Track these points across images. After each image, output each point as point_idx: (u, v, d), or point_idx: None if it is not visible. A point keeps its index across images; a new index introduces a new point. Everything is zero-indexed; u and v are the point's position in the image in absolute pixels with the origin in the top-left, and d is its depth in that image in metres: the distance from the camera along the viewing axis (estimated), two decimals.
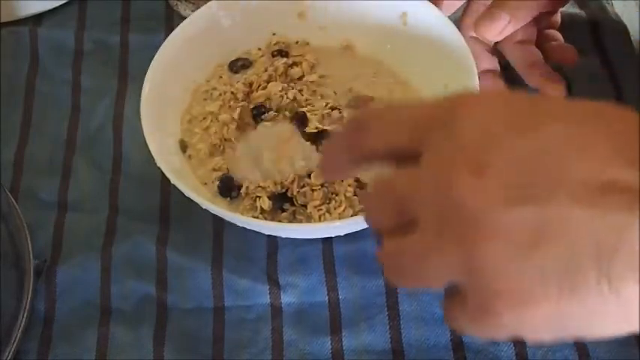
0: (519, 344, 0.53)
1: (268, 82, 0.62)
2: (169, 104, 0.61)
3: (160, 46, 0.70)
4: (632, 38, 0.68)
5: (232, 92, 0.62)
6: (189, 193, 0.53)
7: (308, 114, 0.60)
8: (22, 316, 0.55)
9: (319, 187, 0.56)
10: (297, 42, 0.66)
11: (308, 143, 0.59)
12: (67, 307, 0.57)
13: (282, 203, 0.57)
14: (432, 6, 0.61)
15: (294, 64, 0.64)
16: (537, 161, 0.32)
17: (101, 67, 0.70)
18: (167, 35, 0.71)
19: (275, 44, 0.65)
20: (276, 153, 0.59)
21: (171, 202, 0.61)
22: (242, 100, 0.61)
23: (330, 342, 0.54)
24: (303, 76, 0.64)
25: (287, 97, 0.61)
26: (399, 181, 0.36)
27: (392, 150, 0.37)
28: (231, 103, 0.61)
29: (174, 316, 0.56)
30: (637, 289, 0.30)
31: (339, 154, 0.39)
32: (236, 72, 0.64)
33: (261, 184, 0.57)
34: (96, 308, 0.57)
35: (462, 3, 0.63)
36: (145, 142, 0.65)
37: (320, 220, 0.56)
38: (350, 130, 0.38)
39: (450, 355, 0.54)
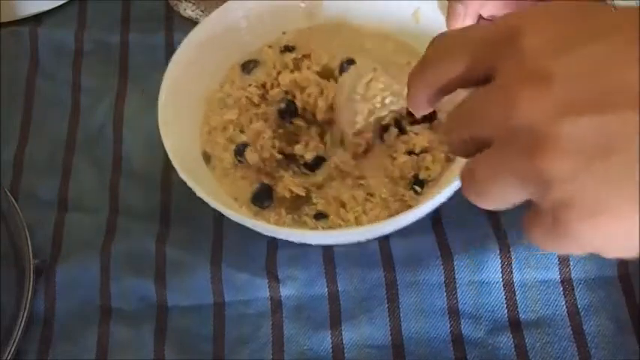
0: (518, 336, 0.53)
1: (278, 78, 0.62)
2: (185, 113, 0.60)
3: (159, 45, 0.71)
4: None
5: (247, 97, 0.61)
6: (221, 208, 0.52)
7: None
8: (22, 316, 0.55)
9: (358, 185, 0.57)
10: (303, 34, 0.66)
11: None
12: (67, 307, 0.57)
13: (306, 201, 0.57)
14: (444, 3, 0.60)
15: (304, 56, 0.64)
16: (600, 70, 0.32)
17: (101, 67, 0.70)
18: (167, 35, 0.71)
19: (285, 41, 0.65)
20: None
21: (171, 201, 0.61)
22: (258, 104, 0.61)
23: (330, 336, 0.54)
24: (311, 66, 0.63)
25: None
26: (471, 103, 0.36)
27: (467, 78, 0.37)
28: (249, 108, 0.61)
29: (175, 314, 0.56)
30: None
31: (420, 90, 0.39)
32: (248, 73, 0.64)
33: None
34: (96, 307, 0.57)
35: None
36: (145, 142, 0.65)
37: (356, 222, 0.55)
38: (425, 65, 0.39)
39: (449, 347, 0.54)
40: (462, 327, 0.54)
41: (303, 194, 0.56)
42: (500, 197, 0.36)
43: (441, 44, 0.39)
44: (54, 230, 0.61)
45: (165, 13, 0.74)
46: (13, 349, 0.54)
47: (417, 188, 0.56)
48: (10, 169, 0.64)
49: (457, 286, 0.55)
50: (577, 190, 0.32)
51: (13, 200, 0.60)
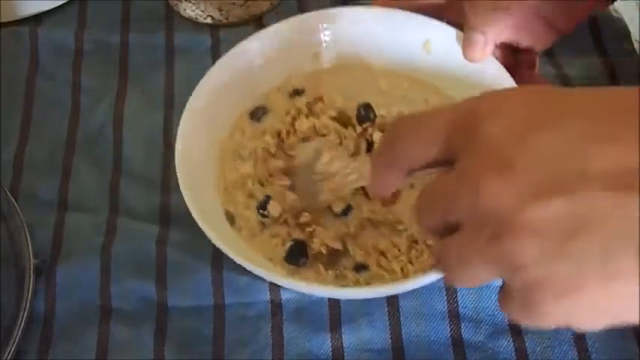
0: (518, 340, 0.53)
1: (293, 124, 0.61)
2: (201, 167, 0.58)
3: (159, 45, 0.71)
4: (632, 38, 0.68)
5: (264, 147, 0.59)
6: (260, 272, 0.50)
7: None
8: (22, 316, 0.55)
9: (397, 231, 0.56)
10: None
11: None
12: (67, 307, 0.57)
13: (343, 254, 0.55)
14: (455, 31, 0.60)
15: (316, 99, 0.62)
16: (561, 155, 0.33)
17: (101, 67, 0.70)
18: (167, 35, 0.71)
19: (292, 85, 0.64)
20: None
21: (172, 201, 0.61)
22: (275, 154, 0.59)
23: (330, 339, 0.54)
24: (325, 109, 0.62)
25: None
26: (438, 189, 0.37)
27: (429, 162, 0.38)
28: (266, 158, 0.59)
29: (175, 315, 0.56)
30: None
31: (384, 174, 0.41)
32: (258, 120, 0.62)
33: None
34: (96, 308, 0.57)
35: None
36: (145, 142, 0.65)
37: (402, 272, 0.54)
38: (387, 151, 0.41)
39: (449, 351, 0.54)
40: (463, 331, 0.54)
41: (340, 248, 0.55)
42: (472, 278, 0.37)
43: (404, 129, 0.40)
44: (54, 230, 0.60)
45: (165, 13, 0.74)
46: (13, 349, 0.54)
47: None
48: (10, 169, 0.64)
49: (457, 289, 0.55)
50: (546, 272, 0.33)
51: (13, 200, 0.60)
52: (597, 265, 0.32)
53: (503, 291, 0.36)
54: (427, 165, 0.39)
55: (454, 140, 0.37)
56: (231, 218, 0.57)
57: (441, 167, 0.39)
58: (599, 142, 0.33)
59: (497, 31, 0.57)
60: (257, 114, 0.62)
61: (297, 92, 0.63)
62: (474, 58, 0.58)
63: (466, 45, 0.58)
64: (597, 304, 0.33)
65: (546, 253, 0.33)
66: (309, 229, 0.56)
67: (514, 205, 0.33)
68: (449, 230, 0.37)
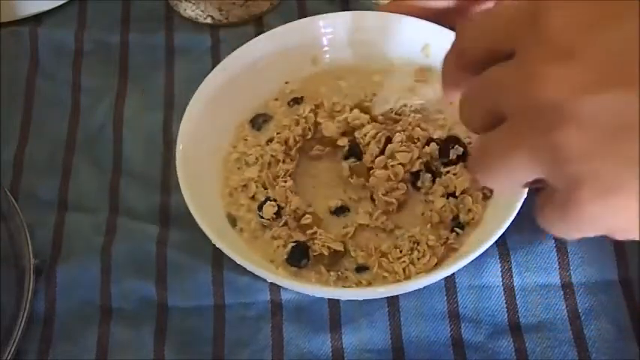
0: (518, 340, 0.53)
1: (304, 135, 0.60)
2: (202, 170, 0.58)
3: (159, 45, 0.71)
4: None
5: (272, 155, 0.59)
6: (260, 272, 0.51)
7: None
8: (22, 316, 0.55)
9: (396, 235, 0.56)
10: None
11: None
12: (67, 307, 0.57)
13: (343, 255, 0.55)
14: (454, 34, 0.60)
15: (317, 106, 0.62)
16: (623, 49, 0.32)
17: (101, 67, 0.70)
18: (167, 35, 0.71)
19: (290, 92, 0.63)
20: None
21: (171, 201, 0.61)
22: (284, 161, 0.59)
23: (330, 339, 0.54)
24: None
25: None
26: (493, 77, 0.36)
27: (492, 55, 0.37)
28: (273, 164, 0.59)
29: (175, 315, 0.56)
30: None
31: (451, 69, 0.40)
32: (259, 129, 0.62)
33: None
34: (96, 308, 0.57)
35: None
36: (145, 142, 0.65)
37: (405, 273, 0.53)
38: (453, 46, 0.40)
39: (449, 351, 0.54)
40: (463, 331, 0.54)
41: (342, 249, 0.55)
42: (508, 175, 0.36)
43: (467, 25, 0.40)
44: (54, 230, 0.60)
45: (165, 13, 0.73)
46: (13, 349, 0.54)
47: (458, 230, 0.55)
48: (10, 169, 0.64)
49: (457, 290, 0.55)
50: (592, 167, 0.33)
51: (13, 200, 0.60)
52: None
53: (543, 195, 0.35)
54: (485, 59, 0.38)
55: (515, 31, 0.36)
56: (232, 220, 0.57)
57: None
58: None
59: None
60: (257, 122, 0.62)
61: (297, 101, 0.63)
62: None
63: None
64: (637, 208, 0.33)
65: (593, 147, 0.32)
66: (310, 232, 0.56)
67: (568, 95, 0.32)
68: (494, 123, 0.36)
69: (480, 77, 0.37)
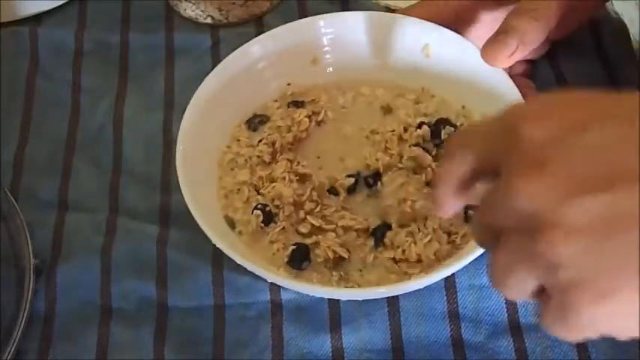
0: (518, 340, 0.53)
1: (294, 143, 0.60)
2: (201, 172, 0.58)
3: (159, 45, 0.71)
4: (632, 38, 0.68)
5: (258, 156, 0.59)
6: (261, 272, 0.51)
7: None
8: (22, 316, 0.55)
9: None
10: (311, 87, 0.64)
11: None
12: (67, 307, 0.57)
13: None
14: (454, 35, 0.60)
15: (314, 113, 0.62)
16: (597, 155, 0.33)
17: (101, 67, 0.70)
18: (167, 35, 0.71)
19: (290, 94, 0.63)
20: None
21: (172, 201, 0.61)
22: (269, 163, 0.59)
23: (329, 339, 0.54)
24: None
25: None
26: (484, 203, 0.38)
27: (480, 172, 0.38)
28: (259, 167, 0.59)
29: (175, 315, 0.56)
30: None
31: (444, 190, 0.40)
32: (254, 130, 0.62)
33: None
34: (96, 308, 0.57)
35: None
36: (145, 142, 0.65)
37: (404, 254, 0.54)
38: (443, 164, 0.41)
39: (449, 351, 0.53)
40: (463, 331, 0.54)
41: (346, 256, 0.55)
42: (519, 286, 0.36)
43: (453, 142, 0.41)
44: (54, 230, 0.60)
45: (165, 13, 0.73)
46: (13, 349, 0.54)
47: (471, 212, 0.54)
48: (10, 169, 0.64)
49: (457, 290, 0.55)
50: (585, 272, 0.33)
51: (13, 200, 0.60)
52: (637, 264, 0.32)
53: (543, 302, 0.36)
54: (474, 176, 0.39)
55: (495, 147, 0.37)
56: (230, 223, 0.57)
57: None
58: (634, 143, 0.32)
59: (533, 39, 0.56)
60: (253, 122, 0.62)
61: (297, 104, 0.63)
62: (499, 62, 0.56)
63: (495, 48, 0.56)
64: (637, 309, 0.33)
65: (583, 252, 0.32)
66: (310, 240, 0.56)
67: (550, 203, 0.33)
68: (496, 239, 0.37)
69: (480, 202, 0.38)
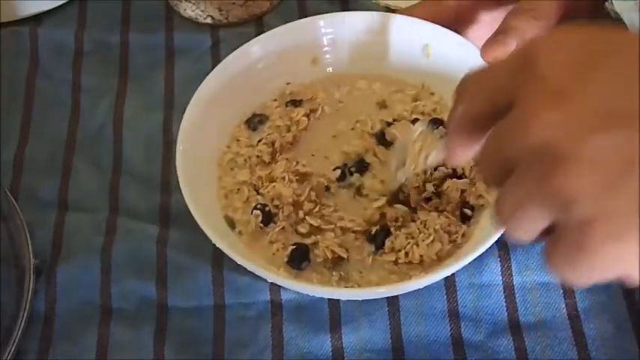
0: (518, 339, 0.53)
1: (293, 143, 0.60)
2: (201, 173, 0.58)
3: (159, 45, 0.71)
4: None
5: (258, 156, 0.59)
6: (261, 271, 0.51)
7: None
8: (22, 316, 0.55)
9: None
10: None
11: None
12: (67, 307, 0.57)
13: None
14: (454, 34, 0.60)
15: (312, 111, 0.62)
16: (617, 89, 0.32)
17: (101, 67, 0.70)
18: (167, 35, 0.71)
19: (289, 94, 0.63)
20: None
21: (171, 201, 0.61)
22: (269, 162, 0.59)
23: (329, 339, 0.54)
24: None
25: None
26: (496, 133, 0.36)
27: (494, 111, 0.37)
28: (258, 167, 0.59)
29: (175, 315, 0.56)
30: None
31: (457, 132, 0.40)
32: (254, 129, 0.61)
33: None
34: (96, 308, 0.57)
35: None
36: (145, 142, 0.65)
37: (407, 257, 0.53)
38: (454, 108, 0.40)
39: (449, 350, 0.53)
40: (462, 330, 0.54)
41: (345, 256, 0.55)
42: (529, 224, 0.35)
43: (465, 84, 0.40)
44: (54, 230, 0.60)
45: (165, 13, 0.74)
46: (13, 349, 0.54)
47: (468, 211, 0.55)
48: (10, 169, 0.64)
49: (457, 289, 0.55)
50: (599, 209, 0.32)
51: (13, 200, 0.60)
52: None
53: (552, 238, 0.35)
54: (488, 117, 0.37)
55: (512, 80, 0.36)
56: (230, 222, 0.57)
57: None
58: None
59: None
60: (253, 122, 0.62)
61: (295, 103, 0.62)
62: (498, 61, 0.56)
63: (494, 48, 0.56)
64: None
65: (600, 188, 0.32)
66: (309, 241, 0.55)
67: (569, 137, 0.32)
68: (506, 176, 0.36)
69: (488, 135, 0.37)
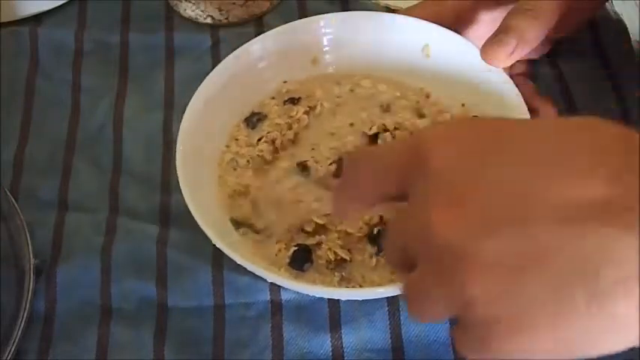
0: None
1: (294, 140, 0.60)
2: (201, 173, 0.58)
3: (159, 45, 0.71)
4: (632, 38, 0.68)
5: (259, 155, 0.59)
6: (261, 271, 0.51)
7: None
8: (22, 316, 0.55)
9: None
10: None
11: None
12: (67, 307, 0.57)
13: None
14: (454, 34, 0.60)
15: (310, 108, 0.62)
16: (510, 184, 0.32)
17: (101, 67, 0.70)
18: (167, 35, 0.71)
19: (286, 92, 0.63)
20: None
21: (171, 201, 0.61)
22: (271, 161, 0.59)
23: (329, 339, 0.54)
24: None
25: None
26: (394, 226, 0.37)
27: (385, 197, 0.38)
28: (260, 166, 0.59)
29: (175, 315, 0.56)
30: (629, 303, 0.30)
31: (343, 206, 0.41)
32: (253, 128, 0.61)
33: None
34: (96, 308, 0.57)
35: None
36: (145, 142, 0.65)
37: None
38: (344, 186, 0.41)
39: (449, 351, 0.53)
40: None
41: (348, 258, 0.54)
42: (434, 314, 0.35)
43: (360, 164, 0.40)
44: (54, 230, 0.60)
45: (165, 13, 0.73)
46: (13, 349, 0.54)
47: None
48: (10, 169, 0.64)
49: None
50: (497, 308, 0.32)
51: (13, 200, 0.60)
52: (550, 302, 0.31)
53: (458, 328, 0.35)
54: (385, 199, 0.38)
55: (405, 173, 0.36)
56: (235, 223, 0.57)
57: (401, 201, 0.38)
58: (551, 167, 0.32)
59: (532, 38, 0.56)
60: (252, 121, 0.62)
61: (293, 101, 0.62)
62: (499, 61, 0.56)
63: (494, 48, 0.55)
64: (553, 342, 0.32)
65: (496, 289, 0.32)
66: (313, 241, 0.55)
67: (465, 239, 0.32)
68: (411, 265, 0.36)
69: (391, 222, 0.38)
